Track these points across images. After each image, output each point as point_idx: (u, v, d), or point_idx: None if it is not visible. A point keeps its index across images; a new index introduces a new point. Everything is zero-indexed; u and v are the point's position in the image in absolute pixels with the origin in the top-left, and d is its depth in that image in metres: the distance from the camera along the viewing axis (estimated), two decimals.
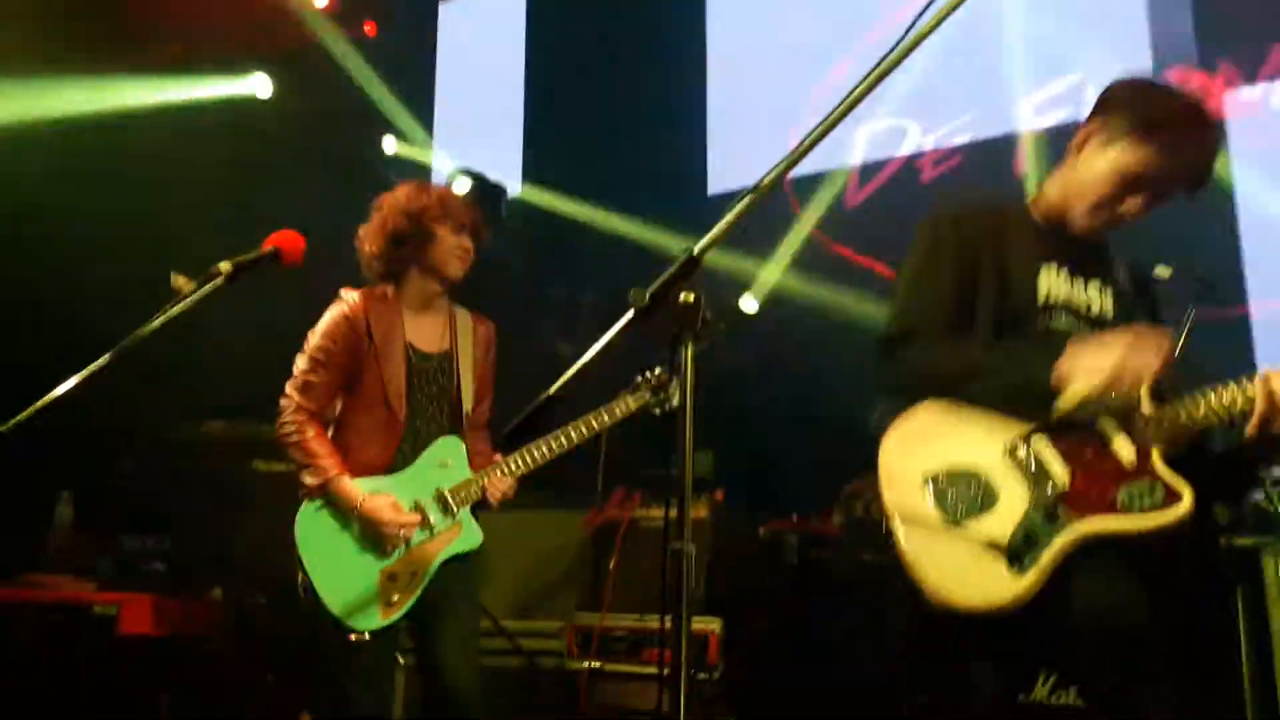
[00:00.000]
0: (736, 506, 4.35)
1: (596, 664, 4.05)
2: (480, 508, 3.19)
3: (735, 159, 6.70)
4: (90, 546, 4.43)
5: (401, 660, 3.30)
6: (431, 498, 3.09)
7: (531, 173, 7.15)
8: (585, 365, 1.74)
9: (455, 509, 3.10)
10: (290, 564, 3.05)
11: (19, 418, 2.07)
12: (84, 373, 2.10)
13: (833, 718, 3.46)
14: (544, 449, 3.14)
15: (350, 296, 3.19)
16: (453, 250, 3.20)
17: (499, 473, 3.14)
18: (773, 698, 3.76)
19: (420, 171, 6.71)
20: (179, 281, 2.20)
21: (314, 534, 3.06)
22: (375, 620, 2.99)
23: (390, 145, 6.71)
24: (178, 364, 4.76)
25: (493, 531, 4.51)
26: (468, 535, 3.11)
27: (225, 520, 4.44)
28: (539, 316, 6.72)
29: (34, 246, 4.79)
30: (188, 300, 2.20)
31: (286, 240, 2.42)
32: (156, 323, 2.16)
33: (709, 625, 3.81)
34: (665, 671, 1.76)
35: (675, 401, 1.68)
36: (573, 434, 3.15)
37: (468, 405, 3.20)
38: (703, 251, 1.66)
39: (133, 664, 4.01)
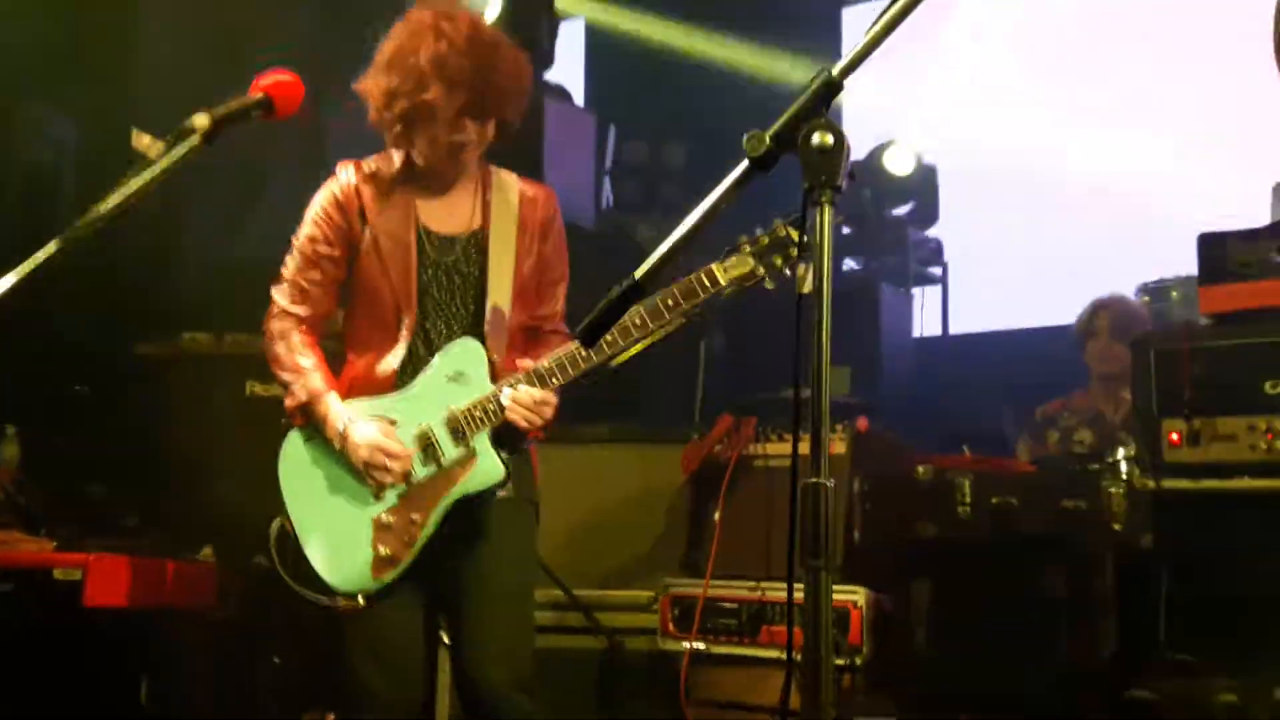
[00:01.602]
0: (886, 438, 4.32)
1: (700, 645, 4.10)
2: (515, 441, 3.16)
3: None
4: (44, 494, 4.58)
5: (446, 639, 3.38)
6: (441, 420, 3.13)
7: None
8: (681, 241, 1.71)
9: (468, 434, 3.12)
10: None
11: None
12: (22, 269, 2.11)
13: (1021, 717, 3.46)
14: (587, 354, 3.08)
15: (343, 172, 3.25)
16: (438, 143, 3.16)
17: (521, 385, 3.09)
18: (936, 691, 3.77)
19: None
20: (143, 142, 2.21)
21: (300, 470, 3.19)
22: (365, 581, 3.09)
23: None
24: (146, 257, 4.88)
25: (562, 473, 4.62)
26: (484, 469, 3.13)
27: (215, 460, 4.56)
28: (610, 186, 6.70)
29: None
30: (155, 168, 2.20)
31: (279, 85, 2.41)
32: (115, 199, 2.16)
33: (851, 596, 3.82)
34: (793, 656, 1.77)
35: (806, 287, 1.65)
36: (631, 329, 3.04)
37: (499, 299, 3.19)
38: (845, 74, 1.61)
39: (102, 643, 4.17)
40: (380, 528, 3.11)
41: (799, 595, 1.68)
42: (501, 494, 3.17)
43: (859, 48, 1.64)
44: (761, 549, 4.11)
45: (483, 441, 3.12)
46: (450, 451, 3.12)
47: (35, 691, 4.12)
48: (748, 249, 3.04)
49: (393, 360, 3.18)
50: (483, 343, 3.18)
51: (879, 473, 4.04)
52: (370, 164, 3.27)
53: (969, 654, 3.79)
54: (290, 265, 3.26)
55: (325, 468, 3.17)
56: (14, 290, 2.09)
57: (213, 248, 4.88)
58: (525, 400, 3.08)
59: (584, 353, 3.07)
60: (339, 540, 3.13)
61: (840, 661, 3.74)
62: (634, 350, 3.09)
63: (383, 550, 3.09)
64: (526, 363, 3.12)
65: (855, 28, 6.95)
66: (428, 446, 3.13)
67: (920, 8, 1.63)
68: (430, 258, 3.21)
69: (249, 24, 5.34)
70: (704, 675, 4.08)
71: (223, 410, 4.66)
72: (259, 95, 2.40)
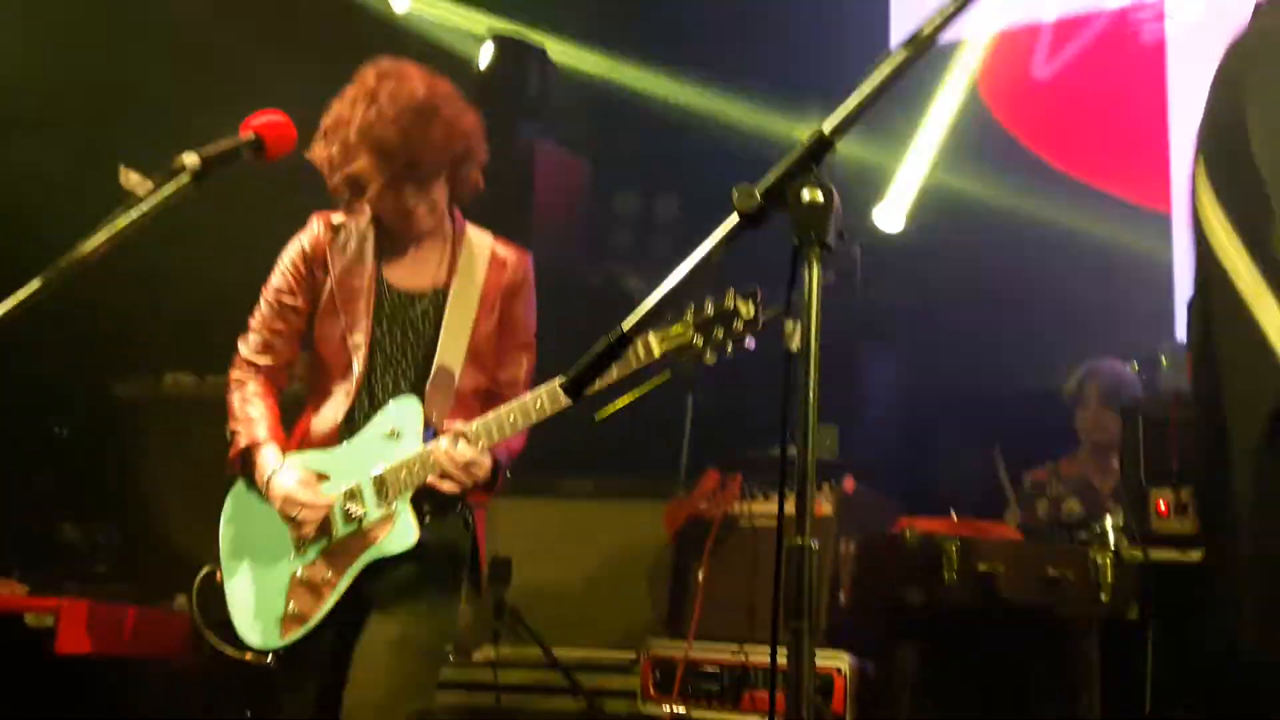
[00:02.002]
0: (873, 499, 4.30)
1: (680, 709, 4.06)
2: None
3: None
4: (17, 536, 4.55)
5: None
6: (369, 479, 3.12)
7: (587, 28, 7.02)
8: (669, 294, 1.71)
9: (391, 495, 3.09)
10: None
11: None
12: (3, 306, 2.11)
13: None
14: (515, 418, 3.02)
15: (313, 223, 3.29)
16: (385, 210, 3.17)
17: (447, 444, 3.03)
18: None
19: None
20: (131, 180, 2.20)
21: (238, 520, 3.24)
22: (273, 638, 3.10)
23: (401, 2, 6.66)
24: (129, 296, 4.86)
25: (544, 528, 4.61)
26: (398, 532, 3.08)
27: (192, 505, 4.51)
28: (598, 236, 6.71)
29: None
30: (143, 206, 2.20)
31: (271, 125, 2.42)
32: (100, 237, 2.15)
33: (834, 661, 3.79)
34: None
35: (794, 344, 1.63)
36: (560, 396, 2.96)
37: (448, 359, 3.17)
38: (837, 131, 1.61)
39: (71, 692, 4.12)
40: (296, 584, 3.12)
41: (782, 660, 1.66)
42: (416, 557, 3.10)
43: (851, 104, 1.64)
44: (745, 610, 4.09)
45: (403, 504, 3.09)
46: (372, 511, 3.10)
47: None
48: (689, 318, 2.93)
49: (336, 412, 3.19)
50: (423, 401, 3.16)
51: (866, 535, 4.02)
52: (339, 217, 3.29)
53: None
54: (256, 315, 3.30)
55: (262, 519, 3.17)
56: None
57: (196, 287, 4.88)
58: (453, 460, 3.01)
59: (513, 418, 3.02)
60: (259, 593, 3.15)
61: None
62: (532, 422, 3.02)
63: (293, 607, 3.10)
64: (457, 424, 3.08)
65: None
66: (352, 504, 3.11)
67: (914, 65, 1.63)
68: (386, 312, 3.21)
69: (243, 64, 5.37)
70: None
71: (202, 453, 4.61)
72: (250, 135, 2.40)
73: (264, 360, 3.28)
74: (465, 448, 3.01)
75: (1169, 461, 3.68)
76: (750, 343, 2.89)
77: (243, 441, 3.19)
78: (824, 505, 4.11)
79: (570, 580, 4.59)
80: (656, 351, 2.94)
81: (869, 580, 3.90)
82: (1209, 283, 1.63)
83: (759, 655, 3.97)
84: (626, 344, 1.73)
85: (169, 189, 2.23)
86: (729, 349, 2.90)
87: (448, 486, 3.04)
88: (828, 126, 1.63)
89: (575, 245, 6.57)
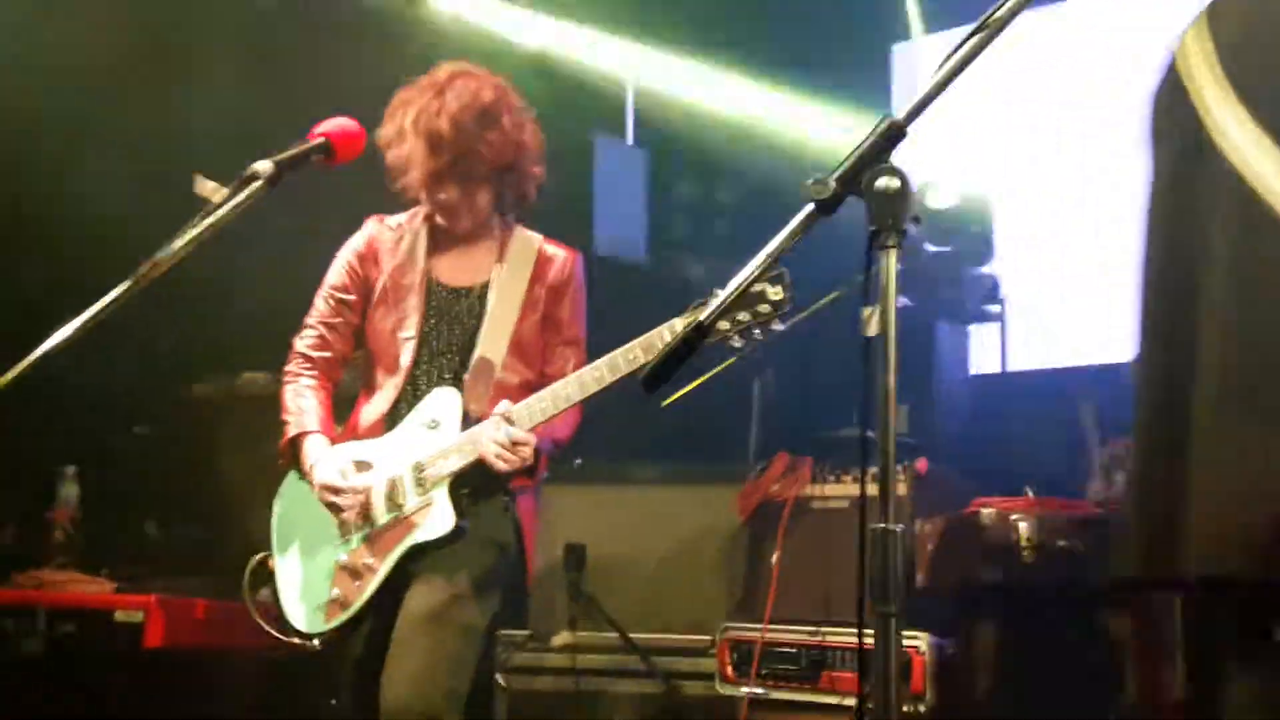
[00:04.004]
0: (947, 479, 4.29)
1: (759, 690, 4.08)
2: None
3: None
4: (102, 534, 4.64)
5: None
6: (409, 467, 3.20)
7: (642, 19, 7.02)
8: (745, 284, 1.74)
9: (429, 484, 3.17)
10: None
11: (9, 374, 2.11)
12: (90, 312, 2.15)
13: None
14: (567, 388, 3.09)
15: (369, 225, 3.42)
16: (426, 206, 3.30)
17: (491, 426, 3.08)
18: None
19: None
20: (206, 188, 2.25)
21: (290, 509, 3.36)
22: (318, 623, 3.20)
23: None
24: (205, 299, 4.95)
25: (616, 514, 4.63)
26: (433, 520, 3.16)
27: (266, 501, 4.58)
28: (660, 223, 6.72)
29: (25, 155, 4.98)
30: (219, 212, 2.24)
31: (339, 130, 2.46)
32: (180, 243, 2.19)
33: (913, 641, 3.79)
34: (859, 702, 1.76)
35: (871, 330, 1.65)
36: (590, 382, 3.05)
37: (488, 351, 3.25)
38: (911, 118, 1.62)
39: (163, 684, 4.21)
40: (340, 569, 3.22)
41: (864, 640, 1.68)
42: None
43: (925, 92, 1.65)
44: (820, 592, 4.10)
45: (441, 491, 3.16)
46: (411, 499, 3.18)
47: None
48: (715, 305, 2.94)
49: (383, 404, 3.30)
50: (462, 392, 3.24)
51: (941, 515, 4.01)
52: (394, 218, 3.42)
53: (1033, 701, 3.75)
54: (313, 312, 3.43)
55: (309, 507, 3.28)
56: (81, 331, 2.14)
57: (268, 288, 4.94)
58: (501, 439, 3.07)
59: (566, 391, 3.08)
60: (305, 579, 3.27)
61: (906, 708, 3.70)
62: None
63: (336, 593, 3.20)
64: (501, 405, 3.13)
65: (905, 66, 6.96)
66: (393, 492, 3.19)
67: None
68: (434, 308, 3.32)
69: (307, 65, 5.43)
70: None
71: (275, 450, 4.70)
72: (320, 140, 2.44)
73: (319, 354, 3.40)
74: (511, 429, 3.07)
75: None
76: (779, 327, 2.90)
77: (291, 431, 3.32)
78: (899, 486, 4.09)
79: (645, 566, 4.63)
80: (670, 339, 2.92)
81: (946, 560, 3.89)
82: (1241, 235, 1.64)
83: (835, 636, 3.98)
84: (705, 335, 1.75)
85: (244, 195, 2.28)
86: (757, 334, 2.90)
87: (502, 465, 3.08)
88: (902, 115, 1.64)
89: (635, 233, 6.58)
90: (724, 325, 2.87)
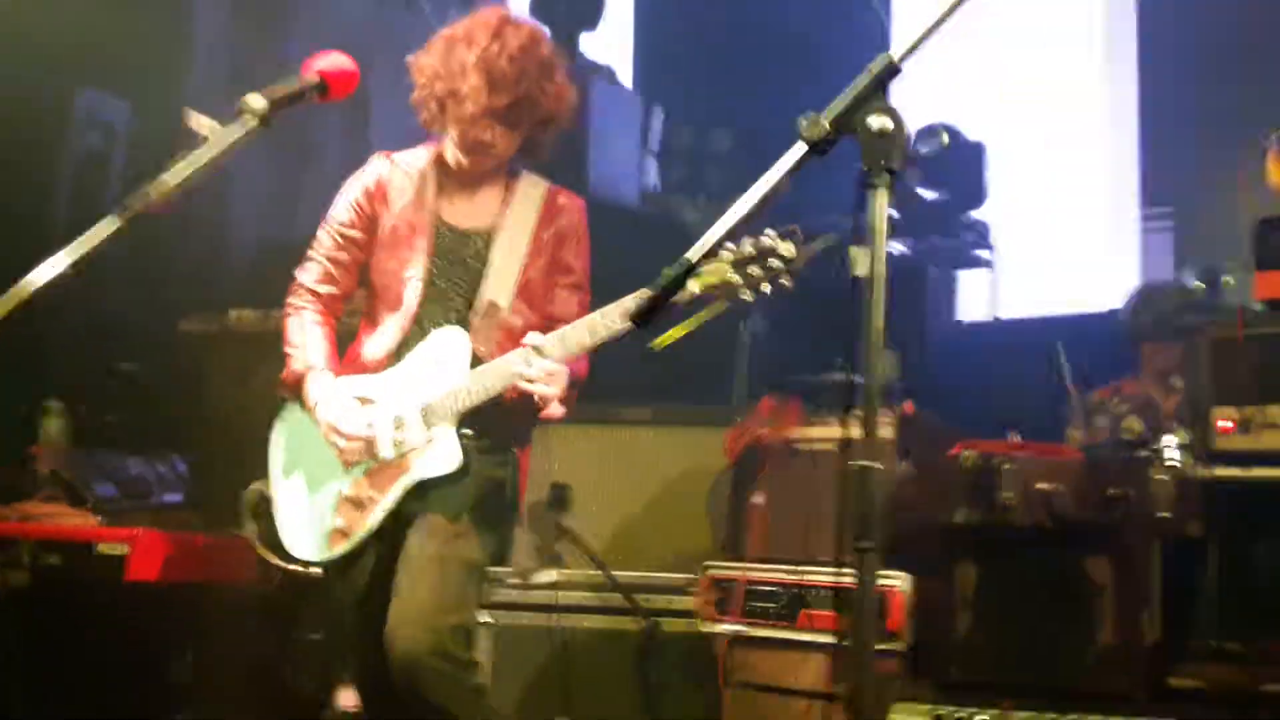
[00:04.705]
0: (932, 422, 4.32)
1: (740, 628, 4.13)
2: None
3: None
4: (89, 468, 4.66)
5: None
6: (415, 405, 3.24)
7: None
8: (736, 224, 1.75)
9: (435, 421, 3.22)
10: None
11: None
12: (80, 243, 2.16)
13: (1062, 704, 3.47)
14: (579, 331, 3.12)
15: (378, 162, 3.42)
16: (465, 137, 3.26)
17: (521, 357, 3.11)
18: (978, 677, 3.78)
19: None
20: (198, 122, 2.25)
21: (287, 441, 3.42)
22: (320, 550, 3.27)
23: None
24: (194, 233, 4.94)
25: (603, 455, 4.67)
26: (435, 457, 3.21)
27: (255, 436, 4.60)
28: (655, 169, 6.72)
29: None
30: (211, 149, 2.24)
31: (334, 67, 2.46)
32: (171, 177, 2.20)
33: (892, 581, 3.84)
34: (837, 640, 1.80)
35: (859, 270, 1.67)
36: (600, 329, 3.09)
37: (495, 294, 3.30)
38: (905, 57, 1.63)
39: (146, 616, 4.25)
40: (343, 500, 3.27)
41: (844, 579, 1.71)
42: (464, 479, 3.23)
43: (920, 32, 1.66)
44: (803, 532, 4.13)
45: (447, 429, 3.21)
46: (415, 436, 3.22)
47: (78, 662, 4.21)
48: (727, 257, 2.90)
49: (388, 342, 3.33)
50: (469, 330, 3.28)
51: (924, 457, 4.05)
52: (402, 156, 3.42)
53: (1011, 640, 3.80)
54: (316, 245, 3.43)
55: (311, 440, 3.33)
56: (75, 268, 2.15)
57: (260, 225, 4.94)
58: (534, 372, 3.10)
59: (578, 334, 3.11)
60: (307, 510, 3.32)
61: (883, 646, 3.75)
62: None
63: (340, 522, 3.25)
64: (530, 336, 3.16)
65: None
66: (398, 428, 3.24)
67: None
68: (441, 249, 3.34)
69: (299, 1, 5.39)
70: (742, 658, 4.11)
71: (267, 387, 4.71)
72: (314, 78, 2.44)
73: (324, 289, 3.42)
74: (543, 361, 3.10)
75: (1234, 380, 3.67)
76: (788, 282, 2.92)
77: (297, 365, 3.35)
78: (884, 428, 4.13)
79: (629, 507, 4.67)
80: (696, 289, 2.91)
81: (927, 502, 3.94)
82: None
83: (814, 576, 4.02)
84: (692, 273, 1.77)
85: (236, 131, 2.28)
86: (766, 288, 2.91)
87: (541, 391, 3.09)
88: (897, 54, 1.64)
89: (629, 178, 6.58)
90: (735, 278, 2.89)
